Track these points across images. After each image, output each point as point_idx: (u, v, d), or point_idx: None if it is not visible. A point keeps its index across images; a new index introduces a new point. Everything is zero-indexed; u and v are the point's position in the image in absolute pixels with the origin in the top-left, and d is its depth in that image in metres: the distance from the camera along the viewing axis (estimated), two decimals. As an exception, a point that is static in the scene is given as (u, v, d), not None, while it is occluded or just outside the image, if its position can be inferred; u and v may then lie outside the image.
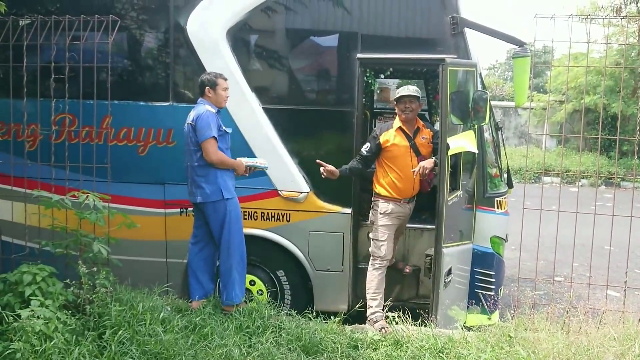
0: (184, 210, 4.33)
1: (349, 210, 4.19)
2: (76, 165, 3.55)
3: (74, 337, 2.78)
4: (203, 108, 3.76)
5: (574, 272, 6.98)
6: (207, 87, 3.81)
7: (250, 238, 4.27)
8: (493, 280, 4.20)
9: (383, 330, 3.72)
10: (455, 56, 3.91)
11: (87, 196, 3.10)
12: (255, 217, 4.27)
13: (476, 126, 3.88)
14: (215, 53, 4.12)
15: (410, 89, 3.96)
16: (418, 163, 3.91)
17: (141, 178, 4.33)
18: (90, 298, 2.99)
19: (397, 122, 4.03)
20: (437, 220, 3.78)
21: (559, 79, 15.40)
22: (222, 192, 3.77)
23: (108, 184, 3.61)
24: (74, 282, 3.14)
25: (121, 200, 4.25)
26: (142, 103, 4.27)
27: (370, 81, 4.32)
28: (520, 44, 3.83)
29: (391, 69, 4.49)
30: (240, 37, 4.18)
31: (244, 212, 4.24)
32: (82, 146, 3.97)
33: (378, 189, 4.09)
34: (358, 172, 4.08)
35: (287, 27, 4.20)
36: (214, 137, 3.70)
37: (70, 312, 2.98)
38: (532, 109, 16.29)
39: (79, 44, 3.48)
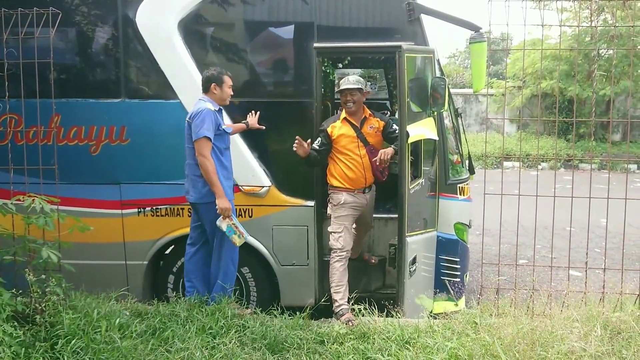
0: (142, 210, 4.18)
1: (312, 203, 4.12)
2: (21, 167, 3.35)
3: (23, 349, 2.62)
4: (203, 105, 3.65)
5: (537, 254, 7.12)
6: (213, 84, 3.71)
7: (212, 236, 4.18)
8: (458, 266, 4.21)
9: (349, 323, 3.67)
10: (413, 43, 3.87)
11: (33, 200, 2.92)
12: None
13: (435, 113, 3.85)
14: (168, 46, 3.98)
15: (350, 80, 3.90)
16: (367, 153, 3.90)
17: (95, 178, 4.15)
18: (41, 307, 2.83)
19: (343, 114, 4.01)
20: (399, 209, 3.75)
21: (517, 65, 15.67)
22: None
23: (56, 185, 3.43)
24: (22, 291, 2.97)
25: (75, 203, 4.08)
26: (92, 100, 4.09)
27: (328, 71, 4.23)
28: (476, 29, 3.81)
29: (349, 58, 4.42)
30: (193, 28, 4.03)
31: (204, 209, 4.13)
32: (30, 147, 3.78)
33: (330, 180, 4.06)
34: (317, 162, 4.01)
35: (242, 18, 4.07)
36: (207, 137, 3.58)
37: (19, 323, 2.81)
38: (491, 95, 16.54)
39: (22, 39, 3.27)
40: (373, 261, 4.39)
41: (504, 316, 3.24)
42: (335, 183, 4.00)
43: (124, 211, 4.19)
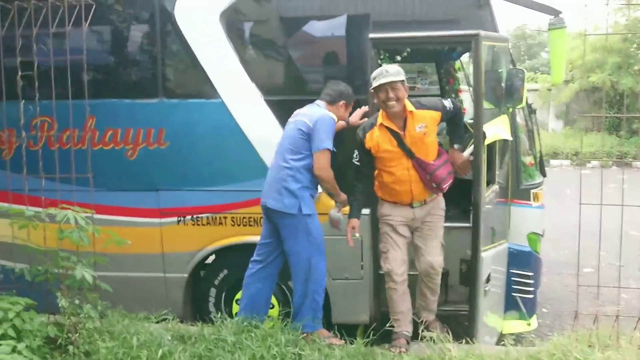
0: (182, 218, 3.86)
1: (366, 211, 3.71)
2: (53, 176, 3.06)
3: (56, 384, 2.33)
4: (327, 112, 3.35)
5: (602, 261, 6.57)
6: (343, 101, 3.44)
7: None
8: (532, 281, 3.76)
9: (398, 350, 3.28)
10: (472, 32, 3.41)
11: (67, 212, 2.62)
12: (260, 223, 3.80)
13: (510, 110, 3.40)
14: (208, 40, 3.64)
15: (391, 72, 3.15)
16: (414, 166, 3.26)
17: (132, 185, 3.85)
18: (74, 337, 2.52)
19: (380, 118, 3.29)
20: (473, 221, 3.30)
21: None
22: (301, 207, 3.31)
23: (91, 195, 3.13)
24: (56, 314, 2.67)
25: (109, 211, 3.80)
26: (127, 101, 3.78)
27: (382, 63, 3.81)
28: (556, 13, 3.35)
29: (408, 50, 3.98)
30: (236, 21, 3.68)
31: (248, 218, 3.79)
32: (63, 152, 3.50)
33: (376, 189, 3.53)
34: (367, 189, 3.50)
35: (290, 7, 3.68)
36: (329, 149, 3.28)
37: (51, 350, 2.51)
38: (535, 90, 15.81)
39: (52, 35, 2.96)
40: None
41: (607, 349, 2.78)
42: (379, 193, 3.53)
43: (163, 220, 3.87)
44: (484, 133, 3.13)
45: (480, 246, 3.26)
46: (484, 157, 3.20)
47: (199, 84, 3.74)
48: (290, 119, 3.47)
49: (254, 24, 3.73)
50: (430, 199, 3.40)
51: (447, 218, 4.01)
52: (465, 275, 3.54)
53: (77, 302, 2.61)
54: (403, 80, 3.21)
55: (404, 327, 3.45)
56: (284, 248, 3.43)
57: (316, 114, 3.31)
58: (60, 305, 2.55)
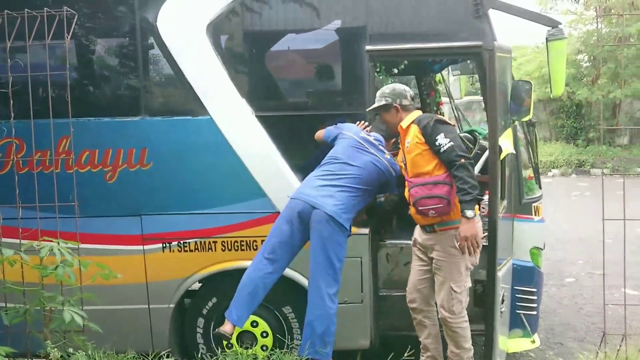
0: (167, 245, 3.58)
1: (366, 230, 3.55)
2: (32, 205, 2.75)
3: None
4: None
5: (582, 270, 6.65)
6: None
7: (249, 272, 3.60)
8: (535, 297, 3.67)
9: None
10: (481, 43, 3.34)
11: (52, 245, 2.32)
12: (255, 247, 3.56)
13: (515, 123, 3.32)
14: (195, 53, 3.40)
15: (376, 97, 3.29)
16: (409, 187, 3.13)
17: (111, 210, 3.55)
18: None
19: None
20: (490, 239, 3.16)
21: (522, 70, 15.26)
22: (350, 226, 3.23)
23: (77, 224, 2.83)
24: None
25: (87, 239, 3.47)
26: (106, 119, 3.49)
27: (381, 77, 3.68)
28: (555, 24, 3.30)
29: (405, 63, 3.86)
30: (224, 32, 3.47)
31: (241, 242, 3.56)
32: (35, 176, 3.17)
33: None
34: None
35: (282, 18, 3.49)
36: None
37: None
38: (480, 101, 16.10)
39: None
40: None
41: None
42: None
43: (146, 247, 3.58)
44: (500, 147, 3.02)
45: (496, 266, 3.14)
46: (500, 172, 3.09)
47: (185, 100, 3.50)
48: (354, 136, 3.30)
49: (243, 36, 3.51)
50: (439, 227, 3.11)
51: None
52: (479, 296, 3.40)
53: (70, 349, 2.30)
54: (384, 105, 3.24)
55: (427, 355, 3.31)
56: (311, 250, 3.19)
57: (389, 163, 3.32)
58: (51, 357, 2.24)
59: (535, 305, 3.67)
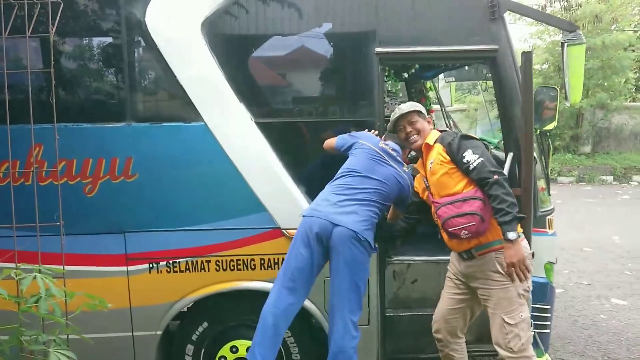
0: (154, 265, 3.22)
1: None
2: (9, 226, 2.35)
3: None
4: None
5: (568, 280, 6.60)
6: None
7: (246, 294, 3.29)
8: (549, 315, 3.48)
9: None
10: (497, 46, 3.16)
11: (34, 275, 1.95)
12: (253, 266, 3.25)
13: (538, 131, 3.14)
14: (188, 53, 3.07)
15: (404, 107, 3.02)
16: (436, 208, 2.84)
17: (91, 227, 3.16)
18: None
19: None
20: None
21: (490, 79, 15.34)
22: (375, 243, 2.97)
23: (62, 247, 2.45)
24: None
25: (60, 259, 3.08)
26: (86, 125, 3.11)
27: (388, 81, 3.43)
28: (573, 28, 3.14)
29: (417, 67, 3.63)
30: (222, 30, 3.15)
31: (237, 261, 3.24)
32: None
33: None
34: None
35: (286, 17, 3.19)
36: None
37: None
38: (463, 110, 16.24)
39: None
40: None
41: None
42: None
43: (131, 268, 3.21)
44: (536, 158, 2.82)
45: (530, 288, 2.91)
46: (532, 186, 2.88)
47: (177, 105, 3.16)
48: (370, 144, 3.04)
49: (243, 35, 3.20)
50: (477, 251, 2.81)
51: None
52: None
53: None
54: (420, 111, 2.98)
55: None
56: (333, 273, 2.91)
57: (407, 177, 3.07)
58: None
59: (548, 323, 3.49)
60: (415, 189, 3.09)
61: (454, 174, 2.76)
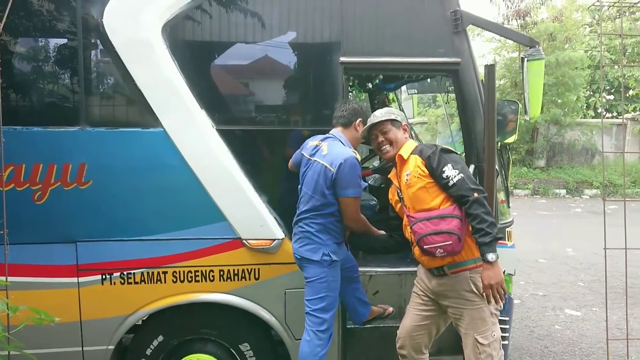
0: (107, 276, 3.08)
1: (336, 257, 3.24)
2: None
3: None
4: (348, 151, 2.87)
5: (525, 291, 6.73)
6: (359, 119, 3.01)
7: (204, 306, 3.19)
8: (507, 326, 3.51)
9: None
10: (459, 60, 3.19)
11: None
12: (212, 278, 3.15)
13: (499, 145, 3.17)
14: (148, 56, 2.97)
15: (378, 115, 2.91)
16: (411, 223, 2.72)
17: (40, 236, 3.00)
18: None
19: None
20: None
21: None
22: (330, 254, 2.94)
23: (5, 257, 2.30)
24: None
25: (9, 270, 2.89)
26: (37, 129, 2.96)
27: (353, 91, 3.42)
28: (533, 44, 3.21)
29: (381, 77, 3.63)
30: (184, 34, 3.07)
31: (196, 272, 3.14)
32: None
33: None
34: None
35: (251, 23, 3.11)
36: (358, 196, 2.89)
37: None
38: (424, 123, 16.51)
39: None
40: (389, 312, 3.50)
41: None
42: None
43: (82, 279, 3.06)
44: (497, 171, 2.84)
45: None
46: (494, 198, 2.90)
47: (134, 110, 3.06)
48: (304, 153, 3.00)
49: (206, 39, 3.12)
50: (451, 269, 2.73)
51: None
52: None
53: None
54: (394, 120, 2.89)
55: None
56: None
57: (338, 155, 2.84)
58: None
59: (507, 334, 3.51)
60: (390, 201, 3.01)
61: (431, 188, 2.66)
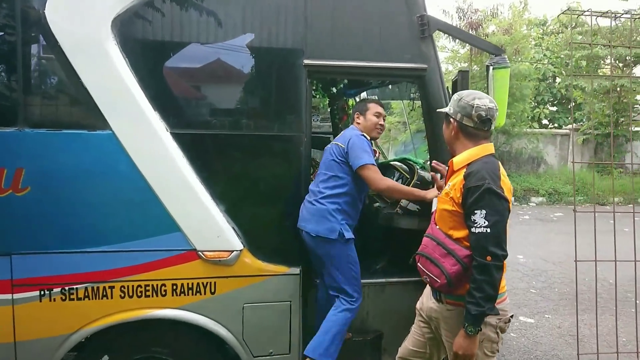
0: (46, 292, 2.80)
1: (297, 270, 3.09)
2: None
3: None
4: (355, 131, 3.25)
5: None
6: (356, 113, 3.39)
7: (155, 323, 2.96)
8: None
9: None
10: (426, 66, 3.11)
11: None
12: (164, 293, 2.92)
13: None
14: (96, 53, 2.73)
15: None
16: (429, 231, 2.61)
17: (-32, 249, 2.70)
18: None
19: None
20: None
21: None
22: (344, 233, 3.11)
23: None
24: None
25: None
26: (-32, 130, 2.67)
27: (317, 96, 3.28)
28: (499, 52, 3.18)
29: (345, 82, 3.51)
30: (136, 29, 2.84)
31: (146, 286, 2.91)
32: None
33: None
34: None
35: (209, 20, 2.91)
36: (372, 163, 3.10)
37: None
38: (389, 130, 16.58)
39: None
40: (348, 337, 3.39)
41: None
42: None
43: (17, 295, 2.77)
44: None
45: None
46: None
47: (79, 110, 2.81)
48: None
49: (160, 36, 2.90)
50: (447, 299, 2.48)
51: (386, 273, 3.55)
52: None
53: None
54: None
55: None
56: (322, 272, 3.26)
57: (346, 134, 3.25)
58: None
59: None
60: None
61: (457, 217, 2.39)
